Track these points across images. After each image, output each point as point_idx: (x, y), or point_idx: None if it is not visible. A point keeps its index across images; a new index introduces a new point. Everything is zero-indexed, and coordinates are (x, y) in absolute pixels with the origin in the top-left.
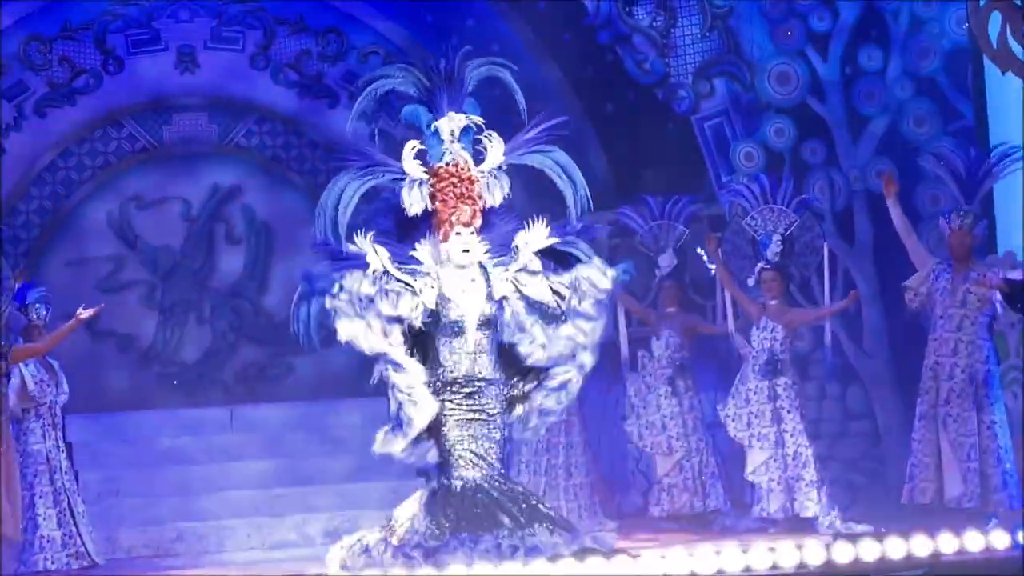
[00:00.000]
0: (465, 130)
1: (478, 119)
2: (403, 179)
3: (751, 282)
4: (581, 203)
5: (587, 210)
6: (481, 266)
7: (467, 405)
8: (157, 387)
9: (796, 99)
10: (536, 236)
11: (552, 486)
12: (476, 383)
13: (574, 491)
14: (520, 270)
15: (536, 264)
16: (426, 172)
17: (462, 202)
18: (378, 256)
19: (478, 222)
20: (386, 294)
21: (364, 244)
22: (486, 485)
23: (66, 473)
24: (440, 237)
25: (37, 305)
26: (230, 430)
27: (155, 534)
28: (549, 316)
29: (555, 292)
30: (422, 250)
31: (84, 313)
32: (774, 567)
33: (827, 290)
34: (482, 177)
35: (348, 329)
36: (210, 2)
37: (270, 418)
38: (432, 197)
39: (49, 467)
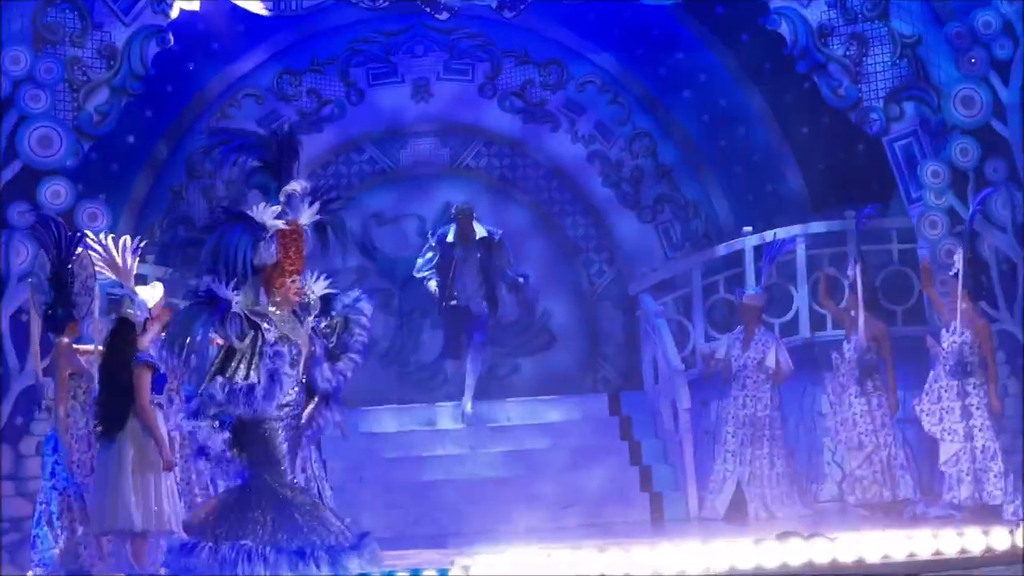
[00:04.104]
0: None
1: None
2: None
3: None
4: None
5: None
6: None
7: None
8: (396, 385)
9: (980, 121)
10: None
11: (756, 475)
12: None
13: (776, 479)
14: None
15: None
16: (284, 226)
17: (300, 256)
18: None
19: None
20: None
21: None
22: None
23: (315, 463)
24: (276, 285)
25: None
26: (462, 423)
27: (395, 518)
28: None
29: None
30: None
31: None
32: (962, 551)
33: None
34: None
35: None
36: (443, 37)
37: (498, 412)
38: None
39: (302, 456)
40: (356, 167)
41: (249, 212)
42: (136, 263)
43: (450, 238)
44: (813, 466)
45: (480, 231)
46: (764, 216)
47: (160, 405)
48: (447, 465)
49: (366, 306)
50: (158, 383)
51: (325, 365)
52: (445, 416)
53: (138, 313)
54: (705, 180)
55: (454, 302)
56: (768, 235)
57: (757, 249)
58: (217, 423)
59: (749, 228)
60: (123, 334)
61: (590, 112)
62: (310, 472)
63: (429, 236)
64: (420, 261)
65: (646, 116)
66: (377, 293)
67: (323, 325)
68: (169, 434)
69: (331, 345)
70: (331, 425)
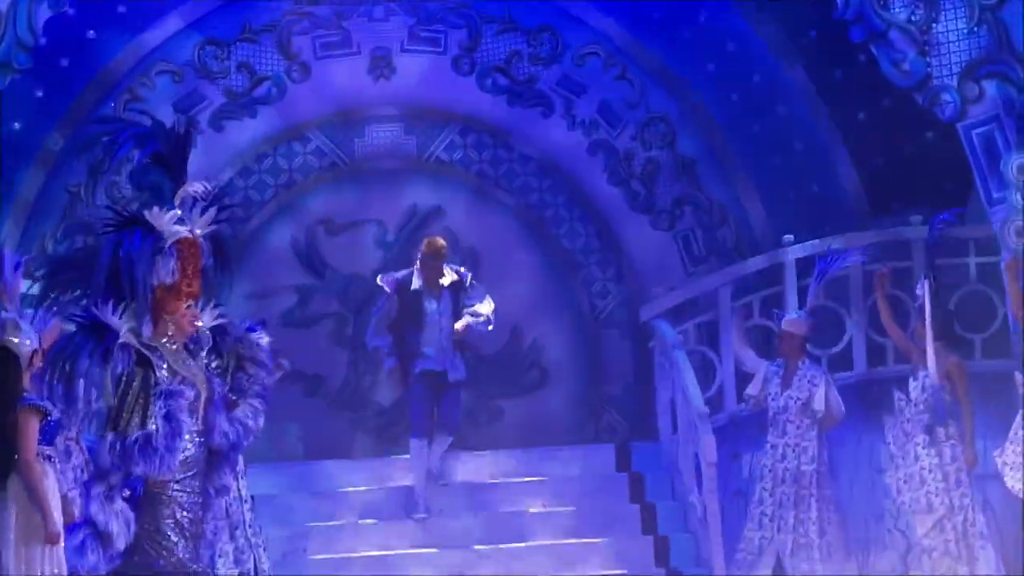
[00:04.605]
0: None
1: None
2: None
3: None
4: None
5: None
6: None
7: None
8: (349, 434)
9: None
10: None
11: (802, 545)
12: None
13: (826, 551)
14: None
15: None
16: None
17: (197, 275)
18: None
19: None
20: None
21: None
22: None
23: (250, 527)
24: (169, 310)
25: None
26: (432, 482)
27: None
28: None
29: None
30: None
31: None
32: None
33: None
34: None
35: None
36: None
37: (476, 468)
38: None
39: (230, 523)
40: (299, 160)
41: (146, 217)
42: (22, 280)
43: (415, 284)
44: (871, 535)
45: (449, 274)
46: (809, 222)
47: (50, 458)
48: (413, 533)
49: (263, 338)
50: (48, 432)
51: (223, 414)
52: (408, 471)
53: (26, 342)
54: (735, 177)
55: (425, 367)
56: (811, 245)
57: (800, 263)
58: (128, 496)
59: (790, 237)
60: (4, 369)
61: (592, 92)
62: (241, 542)
63: (379, 281)
64: (375, 321)
65: (662, 96)
66: (325, 320)
67: (214, 364)
68: (68, 494)
69: (227, 389)
70: (228, 491)
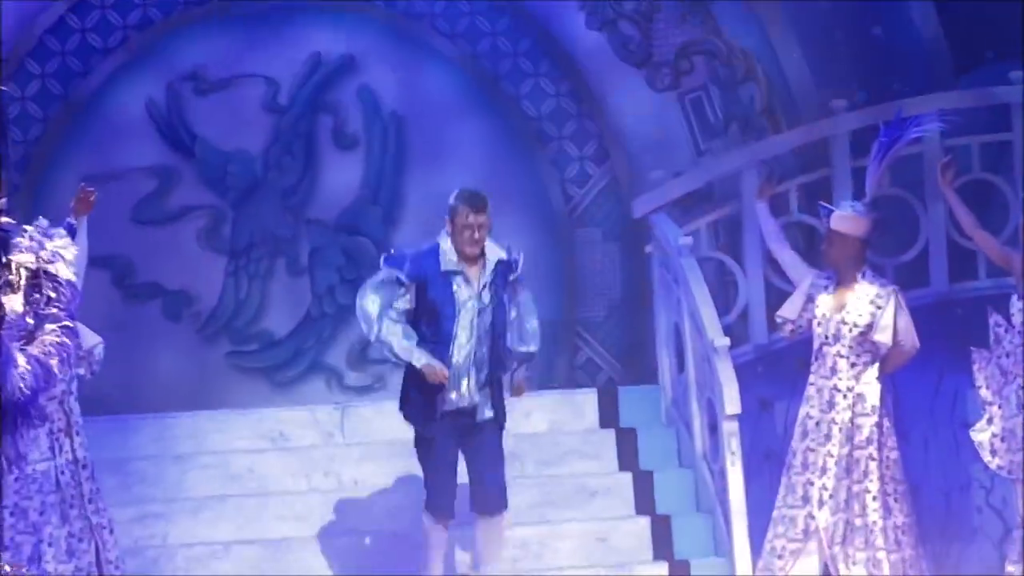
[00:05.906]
0: None
1: None
2: None
3: None
4: None
5: None
6: None
7: None
8: (226, 373)
9: None
10: None
11: (858, 528)
12: None
13: (892, 536)
14: None
15: None
16: None
17: None
18: None
19: None
20: None
21: None
22: None
23: (90, 502)
24: None
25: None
26: (341, 442)
27: None
28: None
29: None
30: None
31: None
32: None
33: None
34: None
35: None
36: None
37: (403, 423)
38: None
39: (62, 497)
40: None
41: None
42: None
43: (447, 265)
44: (954, 514)
45: (497, 250)
46: (868, 79)
47: None
48: (315, 510)
49: (64, 245)
50: None
51: (16, 347)
52: (308, 427)
53: None
54: (766, 17)
55: (456, 403)
56: (871, 111)
57: (857, 136)
58: None
59: (842, 101)
60: None
61: None
62: (78, 525)
63: (383, 263)
64: (398, 304)
65: None
66: (192, 214)
67: None
68: None
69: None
70: (24, 461)
